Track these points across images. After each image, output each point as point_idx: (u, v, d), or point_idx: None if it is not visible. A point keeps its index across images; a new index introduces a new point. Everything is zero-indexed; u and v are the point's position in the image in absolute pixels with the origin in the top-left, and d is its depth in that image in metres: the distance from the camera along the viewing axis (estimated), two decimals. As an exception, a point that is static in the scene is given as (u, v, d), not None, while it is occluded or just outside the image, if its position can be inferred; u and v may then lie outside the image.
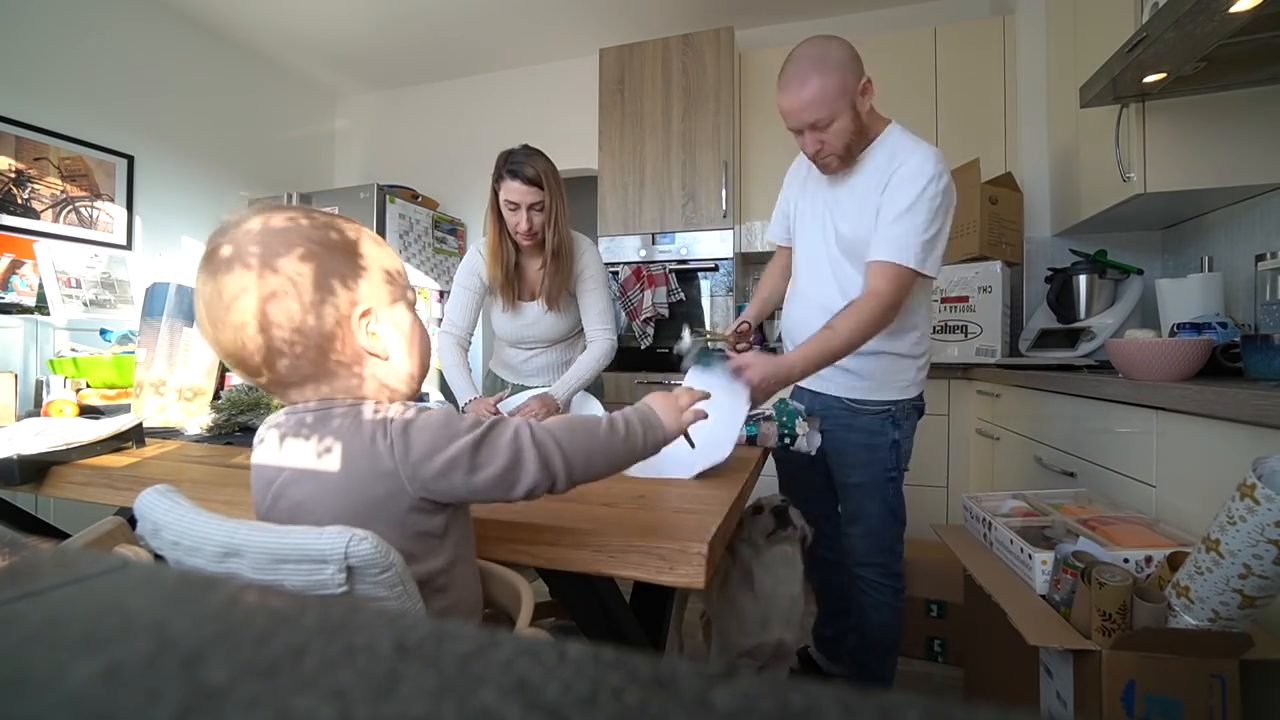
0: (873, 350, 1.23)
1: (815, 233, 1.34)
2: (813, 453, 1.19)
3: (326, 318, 0.56)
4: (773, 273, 1.54)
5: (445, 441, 0.56)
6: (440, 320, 3.30)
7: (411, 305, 0.65)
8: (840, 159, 1.22)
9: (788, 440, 1.17)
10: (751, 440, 1.17)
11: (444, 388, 2.37)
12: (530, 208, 1.51)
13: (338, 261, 0.57)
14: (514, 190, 1.50)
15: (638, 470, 0.87)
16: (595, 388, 1.83)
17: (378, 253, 0.61)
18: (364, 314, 0.58)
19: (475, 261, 1.66)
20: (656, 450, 0.65)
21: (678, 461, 0.87)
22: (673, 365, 2.67)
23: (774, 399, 1.20)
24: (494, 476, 0.56)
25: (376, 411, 0.58)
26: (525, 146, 1.55)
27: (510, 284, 1.62)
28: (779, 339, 1.27)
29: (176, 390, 1.36)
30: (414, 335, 0.64)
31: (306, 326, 0.55)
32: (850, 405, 1.31)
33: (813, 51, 1.16)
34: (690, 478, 0.91)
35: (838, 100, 1.13)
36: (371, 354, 0.60)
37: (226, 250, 0.55)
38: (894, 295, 1.15)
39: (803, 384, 1.38)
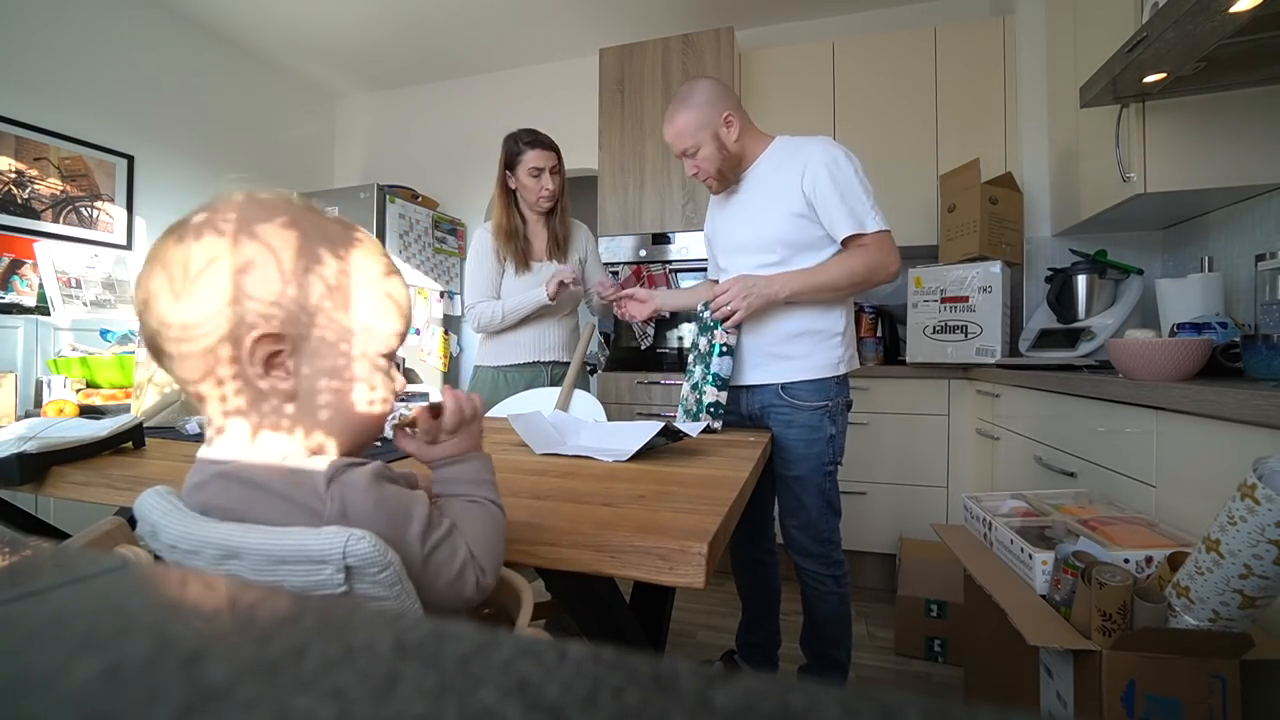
0: (796, 332, 1.38)
1: (732, 242, 1.47)
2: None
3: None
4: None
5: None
6: (441, 320, 3.32)
7: (385, 365, 0.56)
8: (716, 180, 1.42)
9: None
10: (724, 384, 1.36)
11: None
12: (551, 170, 1.74)
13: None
14: (539, 156, 1.72)
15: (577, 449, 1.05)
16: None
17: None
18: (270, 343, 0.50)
19: (485, 238, 1.81)
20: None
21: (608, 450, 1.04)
22: (673, 365, 2.67)
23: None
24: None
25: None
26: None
27: (520, 250, 1.81)
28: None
29: (177, 390, 1.36)
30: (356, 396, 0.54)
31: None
32: (790, 401, 1.39)
33: (682, 92, 1.41)
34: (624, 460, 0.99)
35: (699, 132, 1.36)
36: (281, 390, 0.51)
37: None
38: (881, 253, 1.30)
39: (740, 381, 1.45)
